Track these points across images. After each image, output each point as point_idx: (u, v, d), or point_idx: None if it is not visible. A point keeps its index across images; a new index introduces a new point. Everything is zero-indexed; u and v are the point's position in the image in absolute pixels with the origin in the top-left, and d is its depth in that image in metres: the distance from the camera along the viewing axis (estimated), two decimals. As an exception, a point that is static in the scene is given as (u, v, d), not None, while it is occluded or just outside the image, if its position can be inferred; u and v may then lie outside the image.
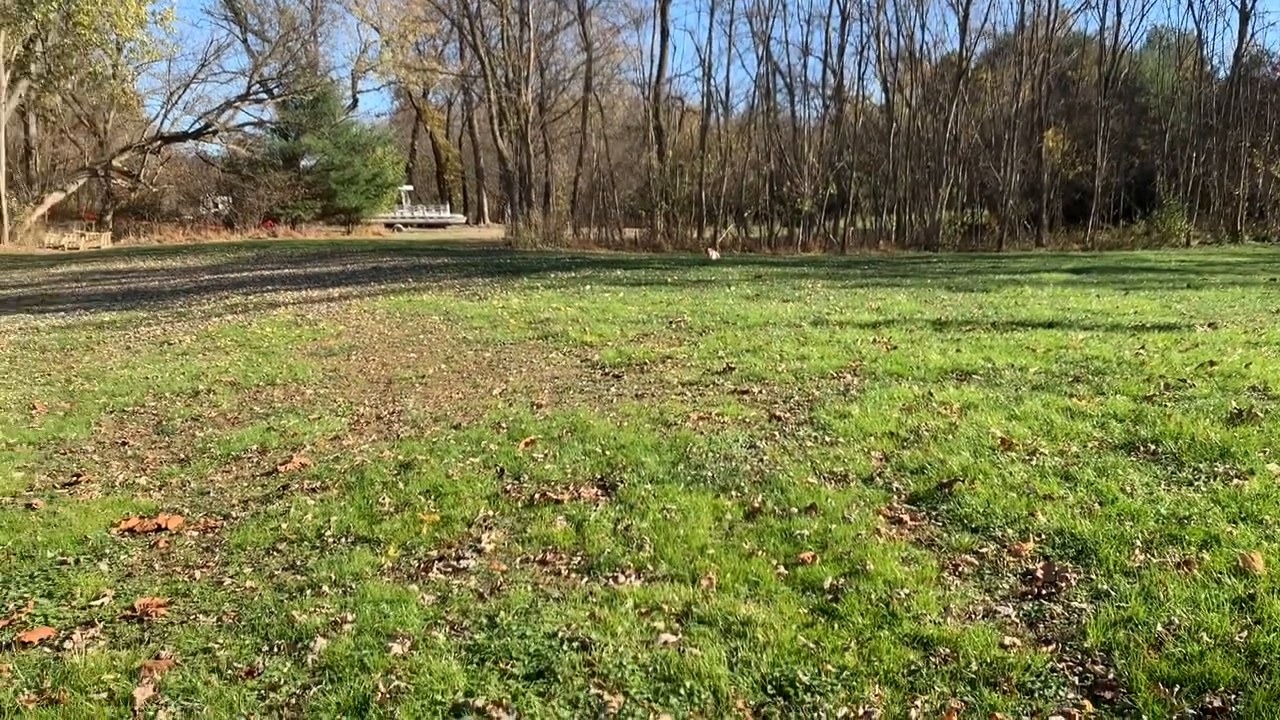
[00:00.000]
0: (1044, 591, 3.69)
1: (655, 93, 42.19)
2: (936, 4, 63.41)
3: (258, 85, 52.74)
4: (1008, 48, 40.13)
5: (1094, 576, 3.80)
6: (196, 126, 51.33)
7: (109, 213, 46.91)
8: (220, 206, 52.89)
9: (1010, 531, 4.28)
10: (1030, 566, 3.93)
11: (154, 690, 3.24)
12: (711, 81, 41.54)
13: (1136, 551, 3.99)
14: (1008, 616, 3.53)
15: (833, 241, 36.68)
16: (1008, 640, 3.33)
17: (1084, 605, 3.57)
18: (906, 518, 4.54)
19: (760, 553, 4.19)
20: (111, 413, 7.71)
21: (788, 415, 6.58)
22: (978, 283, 15.42)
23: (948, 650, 3.27)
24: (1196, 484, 4.78)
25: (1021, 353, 8.32)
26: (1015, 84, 36.35)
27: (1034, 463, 5.16)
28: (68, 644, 3.60)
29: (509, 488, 5.22)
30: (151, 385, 8.67)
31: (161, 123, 52.01)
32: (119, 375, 9.25)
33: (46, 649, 3.58)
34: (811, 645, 3.35)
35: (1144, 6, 62.31)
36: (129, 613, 3.86)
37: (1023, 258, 24.79)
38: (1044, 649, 3.27)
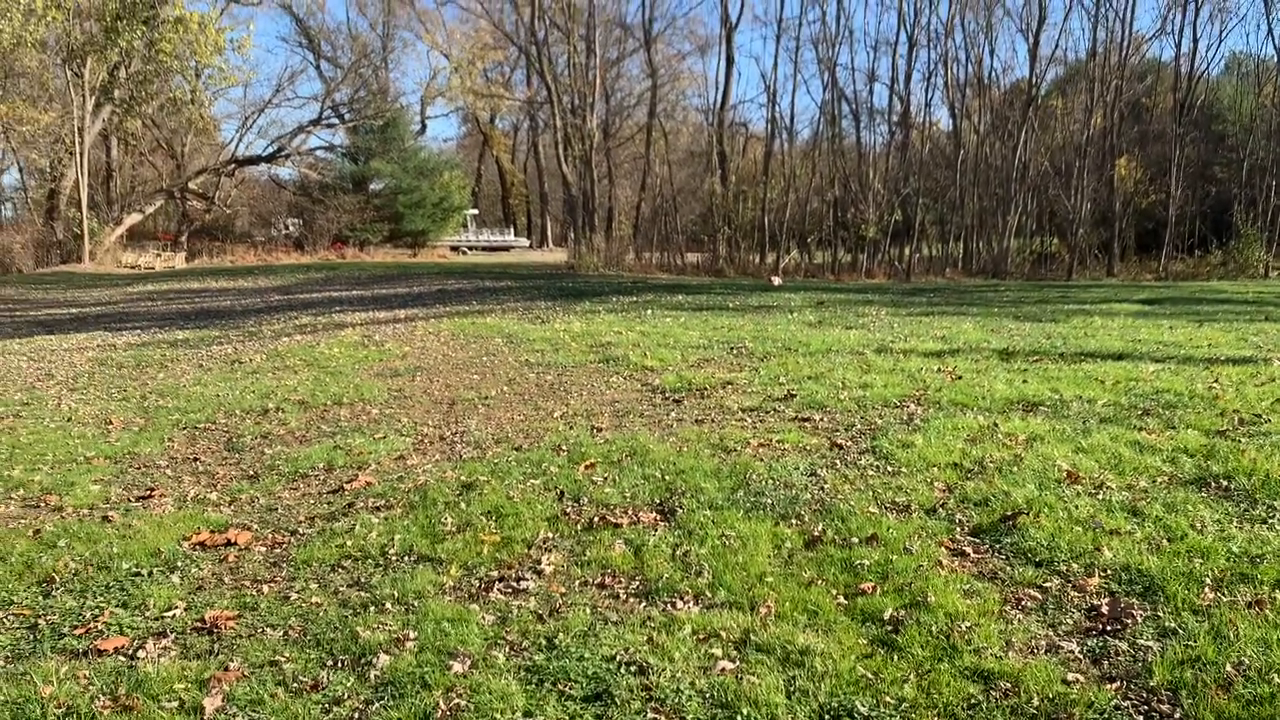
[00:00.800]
0: (1109, 628, 3.62)
1: (719, 118, 42.37)
2: (1005, 31, 62.87)
3: (330, 110, 54.02)
4: (1079, 74, 39.56)
5: (1161, 614, 3.71)
6: (270, 150, 52.70)
7: (184, 233, 48.24)
8: (291, 228, 54.11)
9: (1075, 566, 4.21)
10: (1095, 602, 3.86)
11: (223, 700, 3.32)
12: (776, 107, 41.44)
13: (1206, 589, 3.90)
14: (1071, 652, 3.47)
15: (898, 268, 36.36)
16: (1071, 676, 3.27)
17: (1150, 643, 3.50)
18: (969, 550, 4.49)
19: (820, 582, 4.17)
20: (184, 429, 7.93)
21: (849, 444, 6.54)
22: (1046, 312, 15.18)
23: (1009, 685, 3.23)
24: (1271, 522, 4.65)
25: (1090, 384, 8.18)
26: (1086, 111, 35.80)
27: (1101, 497, 5.06)
28: (141, 653, 3.71)
29: (569, 510, 5.27)
30: (223, 403, 8.89)
31: (236, 146, 53.52)
32: (192, 392, 9.50)
33: (121, 657, 3.69)
34: (870, 676, 3.33)
35: (1221, 32, 60.90)
36: (199, 624, 3.96)
37: (1093, 287, 24.34)
38: (1108, 686, 3.21)
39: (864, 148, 41.89)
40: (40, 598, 4.30)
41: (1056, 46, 51.56)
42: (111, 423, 8.19)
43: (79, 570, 4.59)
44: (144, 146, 50.11)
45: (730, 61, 42.10)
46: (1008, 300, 18.68)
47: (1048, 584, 4.07)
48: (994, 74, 41.08)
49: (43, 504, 5.83)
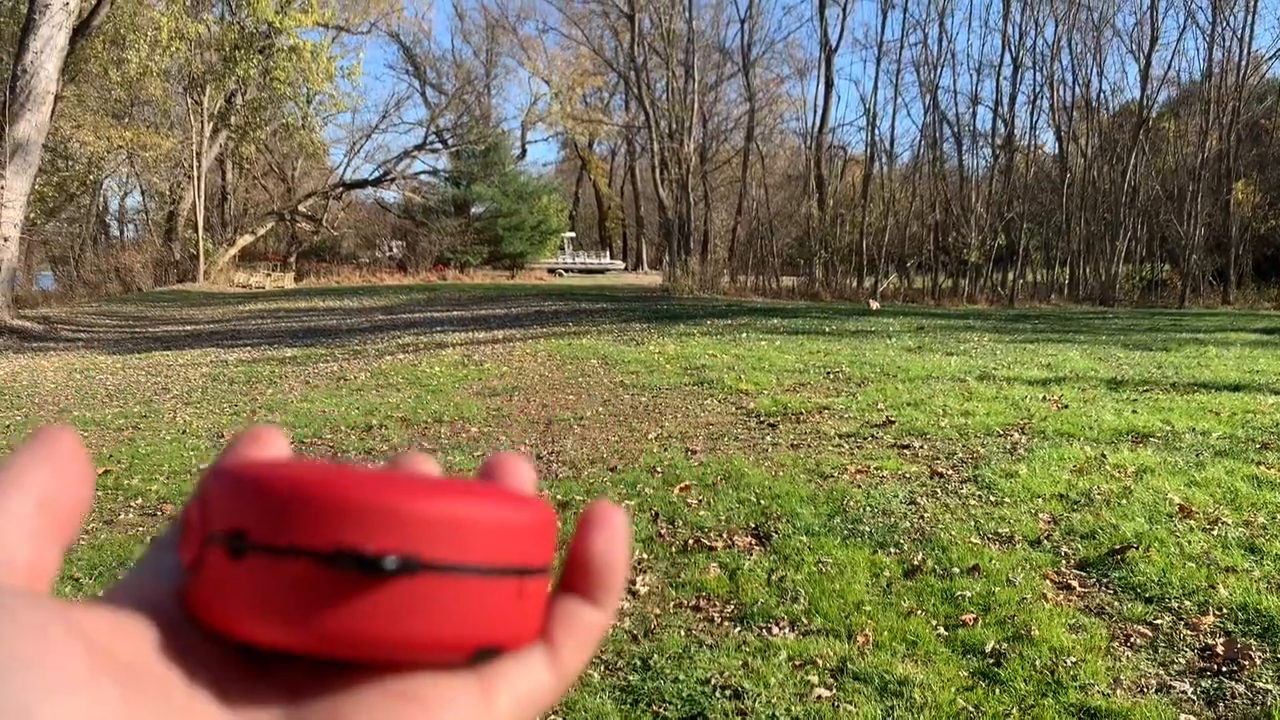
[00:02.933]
0: (1224, 669, 3.47)
1: (817, 142, 42.15)
2: (1115, 52, 61.25)
3: (434, 135, 55.50)
4: (1193, 95, 38.28)
5: (1283, 657, 3.55)
6: (376, 174, 54.38)
7: (293, 254, 49.96)
8: (395, 250, 55.60)
9: (1188, 604, 4.05)
10: (1210, 641, 3.70)
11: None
12: (876, 130, 40.93)
13: (1333, 633, 3.71)
14: (1184, 692, 3.33)
15: (1001, 294, 35.57)
16: (1183, 717, 3.15)
17: (1269, 686, 3.34)
18: (1075, 584, 4.35)
19: (919, 611, 4.09)
20: (291, 443, 8.15)
21: (950, 472, 6.41)
22: (1157, 341, 14.68)
23: (1118, 724, 3.13)
24: (1404, 564, 4.41)
25: (1204, 416, 7.87)
26: (1201, 133, 34.58)
27: (1215, 532, 4.86)
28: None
29: (663, 532, 5.28)
30: (328, 419, 9.16)
31: (344, 170, 55.41)
32: (298, 408, 9.81)
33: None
34: (970, 709, 3.25)
35: (1347, 51, 58.24)
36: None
37: (1207, 315, 23.44)
38: (1226, 731, 3.08)
39: (966, 171, 41.14)
40: (157, 602, 4.48)
41: (1169, 67, 49.91)
42: (223, 435, 8.50)
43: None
44: (257, 170, 52.17)
45: (829, 85, 41.92)
46: (1116, 328, 18.12)
47: (1158, 621, 3.92)
48: (1102, 96, 40.04)
49: (159, 512, 6.08)
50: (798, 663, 3.66)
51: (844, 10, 41.72)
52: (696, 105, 41.60)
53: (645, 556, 4.90)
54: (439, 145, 56.74)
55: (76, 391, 11.54)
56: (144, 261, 39.01)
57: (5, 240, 19.59)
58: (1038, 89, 39.49)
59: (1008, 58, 38.41)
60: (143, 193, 50.36)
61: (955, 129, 41.24)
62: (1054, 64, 38.39)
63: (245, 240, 47.26)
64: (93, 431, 8.87)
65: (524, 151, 65.76)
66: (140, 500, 6.38)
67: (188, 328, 21.26)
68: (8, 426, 9.26)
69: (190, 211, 40.95)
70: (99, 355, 15.79)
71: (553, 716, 3.28)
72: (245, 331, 19.78)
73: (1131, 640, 3.78)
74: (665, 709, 3.33)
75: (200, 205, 39.72)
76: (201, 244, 39.40)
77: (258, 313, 25.38)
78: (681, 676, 3.56)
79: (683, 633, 3.98)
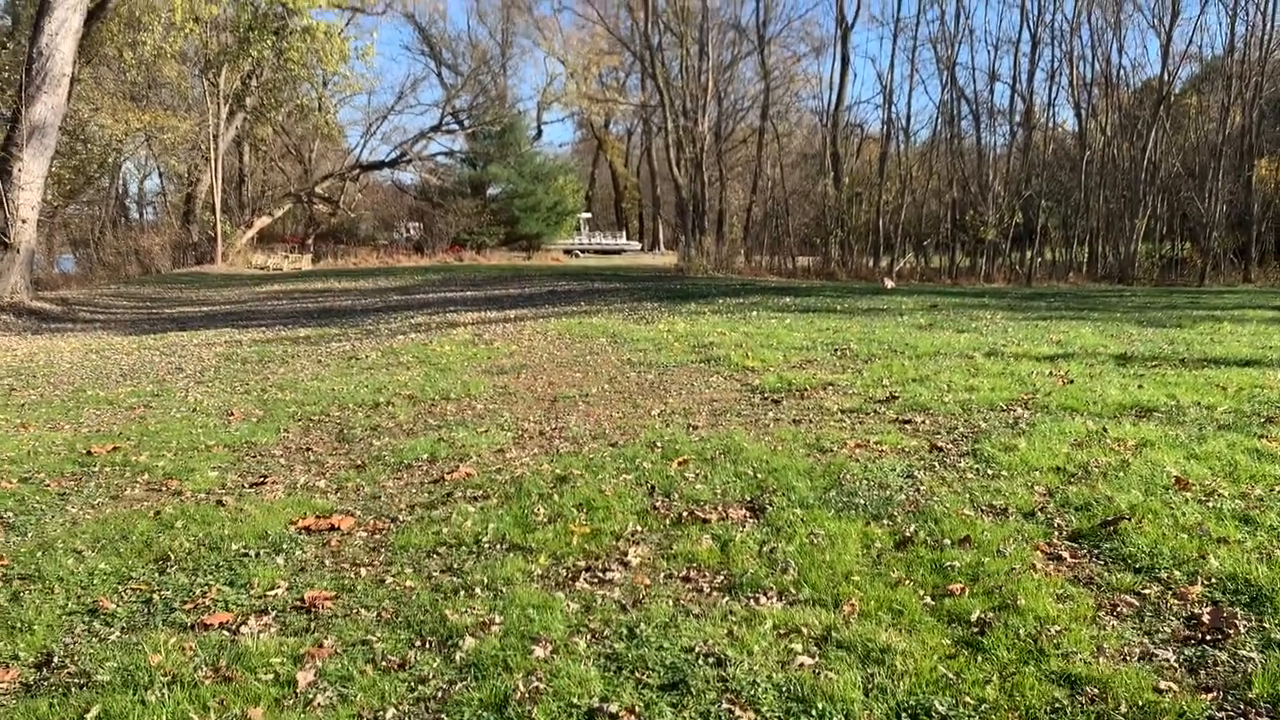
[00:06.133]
0: (1209, 637, 3.47)
1: (834, 120, 41.89)
2: (1135, 27, 60.51)
3: (450, 117, 55.53)
4: (1215, 71, 37.76)
5: (1267, 625, 3.54)
6: (392, 156, 54.47)
7: (310, 236, 50.18)
8: (411, 232, 55.75)
9: (1177, 574, 4.04)
10: (1196, 611, 3.70)
11: (315, 675, 3.47)
12: (892, 108, 40.76)
13: (1321, 603, 3.70)
14: (1166, 660, 3.33)
15: (1018, 272, 35.33)
16: (1163, 685, 3.15)
17: (1253, 654, 3.34)
18: (1066, 554, 4.35)
19: (907, 582, 4.11)
20: (299, 420, 8.25)
21: (950, 446, 6.40)
22: (1172, 318, 14.55)
23: (1096, 690, 3.13)
24: (1400, 536, 4.38)
25: (1210, 390, 7.81)
26: (1223, 109, 34.11)
27: (1211, 504, 4.84)
28: (243, 628, 3.90)
29: (659, 505, 5.31)
30: (337, 396, 9.23)
31: (360, 152, 55.51)
32: (309, 386, 9.89)
33: (225, 632, 3.88)
34: (951, 676, 3.27)
35: (1375, 24, 57.17)
36: (299, 603, 4.14)
37: (1226, 293, 23.20)
38: (1203, 696, 3.07)
39: (984, 148, 40.81)
40: (156, 574, 4.55)
41: (1191, 42, 49.25)
42: (232, 414, 8.58)
43: (192, 550, 4.84)
44: (274, 152, 52.35)
45: (845, 62, 41.61)
46: (1132, 305, 17.97)
47: (1146, 590, 3.92)
48: (1122, 72, 39.62)
49: (164, 488, 6.16)
50: (783, 631, 3.69)
51: (861, -13, 41.33)
52: (711, 84, 41.43)
53: (639, 529, 4.93)
54: (455, 126, 56.80)
55: (91, 371, 11.67)
56: (163, 244, 39.29)
57: (24, 222, 19.77)
58: (1057, 65, 39.13)
59: (1026, 33, 38.10)
60: (161, 175, 50.70)
61: (973, 106, 40.91)
62: (1073, 40, 38.01)
63: (263, 222, 47.50)
64: (105, 411, 8.98)
65: (540, 132, 65.71)
66: (146, 476, 6.46)
67: (204, 309, 21.42)
68: (23, 405, 9.38)
69: (208, 194, 41.17)
70: (115, 336, 15.94)
71: (536, 682, 3.32)
72: (261, 312, 19.91)
73: (1118, 610, 3.78)
74: (648, 676, 3.37)
75: (218, 187, 39.91)
76: (219, 226, 39.63)
77: (274, 294, 25.52)
78: (666, 645, 3.59)
79: (671, 603, 4.01)
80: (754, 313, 15.89)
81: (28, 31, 22.52)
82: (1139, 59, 63.78)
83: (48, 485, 6.27)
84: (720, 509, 5.19)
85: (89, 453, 7.10)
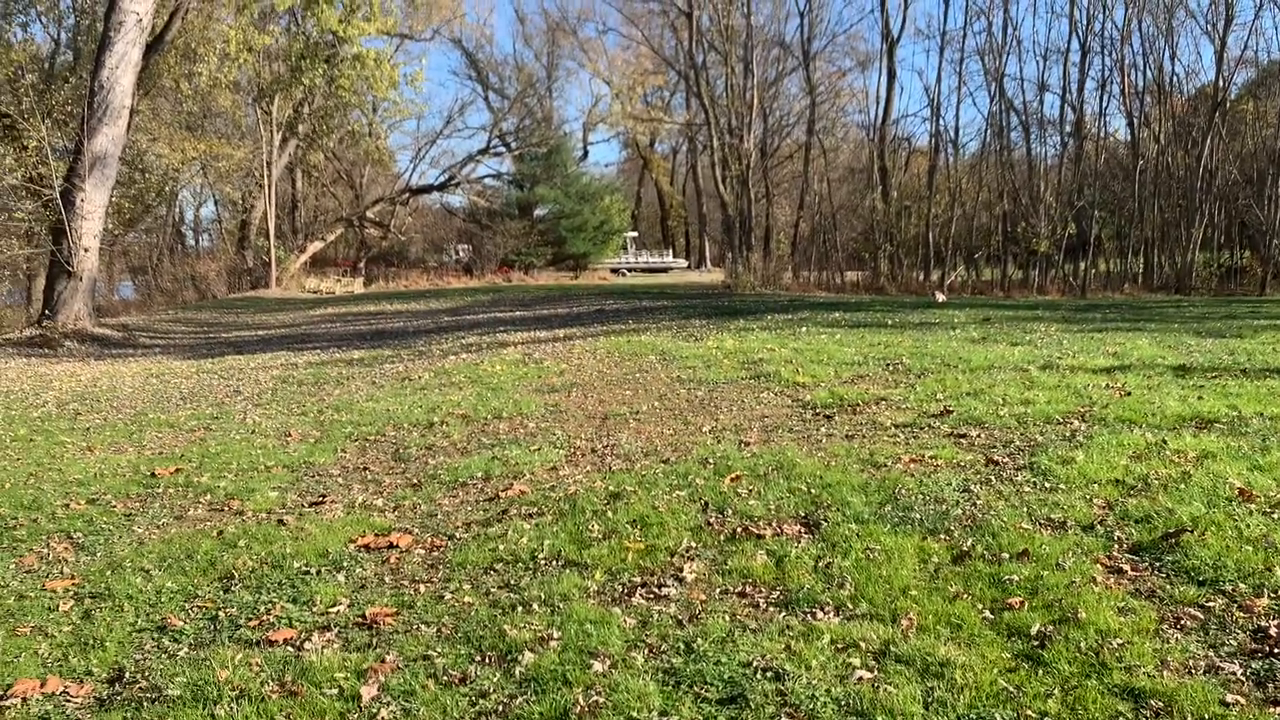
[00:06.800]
0: (1277, 650, 3.40)
1: (881, 134, 41.70)
2: (1188, 33, 59.50)
3: (497, 139, 56.16)
4: (1272, 76, 37.06)
5: (1339, 639, 3.47)
6: (441, 179, 55.20)
7: (362, 259, 50.93)
8: (460, 254, 56.38)
9: (1243, 586, 3.97)
10: (1263, 624, 3.63)
11: (378, 690, 3.53)
12: (940, 121, 40.44)
13: (1395, 616, 3.61)
14: (1232, 673, 3.28)
15: (1072, 284, 34.84)
16: (1230, 698, 3.10)
17: (1325, 669, 3.27)
18: (1127, 567, 4.29)
19: (965, 596, 4.08)
20: (355, 440, 8.38)
21: (1006, 460, 6.34)
22: (1232, 328, 14.26)
23: (1160, 704, 3.08)
24: None
25: (1274, 401, 7.65)
26: (1280, 114, 33.46)
27: (1277, 516, 4.74)
28: (307, 644, 3.97)
29: (712, 521, 5.32)
30: (392, 417, 9.35)
31: (410, 176, 56.26)
32: (364, 407, 10.03)
33: (289, 648, 3.96)
34: (1012, 689, 3.24)
35: None
36: (360, 620, 4.21)
37: (1287, 301, 22.69)
38: (1271, 710, 3.02)
39: (1034, 159, 40.34)
40: (221, 592, 4.66)
41: (1246, 47, 48.36)
42: (290, 435, 8.74)
43: (255, 568, 4.94)
44: (326, 178, 53.32)
45: (892, 76, 41.39)
46: (1190, 316, 17.64)
47: (1210, 603, 3.86)
48: (1175, 79, 38.92)
49: (227, 508, 6.30)
50: (840, 646, 3.68)
51: (905, 0, 41.23)
52: (756, 101, 41.46)
53: (693, 545, 4.94)
54: (502, 149, 57.39)
55: (152, 395, 11.94)
56: (218, 269, 40.10)
57: (86, 251, 20.31)
58: (1107, 74, 38.64)
59: (1075, 43, 37.71)
60: (216, 202, 51.87)
61: (1022, 117, 40.50)
62: (1124, 48, 37.51)
63: (315, 247, 48.31)
64: (167, 433, 9.18)
65: (586, 153, 66.24)
66: (209, 496, 6.60)
67: (259, 333, 21.81)
68: (88, 429, 9.62)
69: (262, 220, 42.02)
70: (174, 360, 16.29)
71: (595, 696, 3.35)
72: (315, 335, 20.23)
73: (1181, 623, 3.72)
74: (706, 690, 3.38)
75: (271, 213, 40.72)
76: (273, 251, 40.40)
77: (327, 317, 25.92)
78: (724, 659, 3.60)
79: (727, 618, 4.02)
80: (803, 328, 15.84)
81: (89, 66, 23.19)
82: (1192, 65, 62.89)
83: (114, 506, 6.44)
84: (774, 524, 5.18)
85: (153, 474, 7.28)
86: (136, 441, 8.81)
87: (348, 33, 33.81)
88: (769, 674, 3.47)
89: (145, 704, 3.51)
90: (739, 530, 5.10)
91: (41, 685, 3.69)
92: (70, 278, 20.15)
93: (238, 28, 29.42)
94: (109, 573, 4.98)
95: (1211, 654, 3.45)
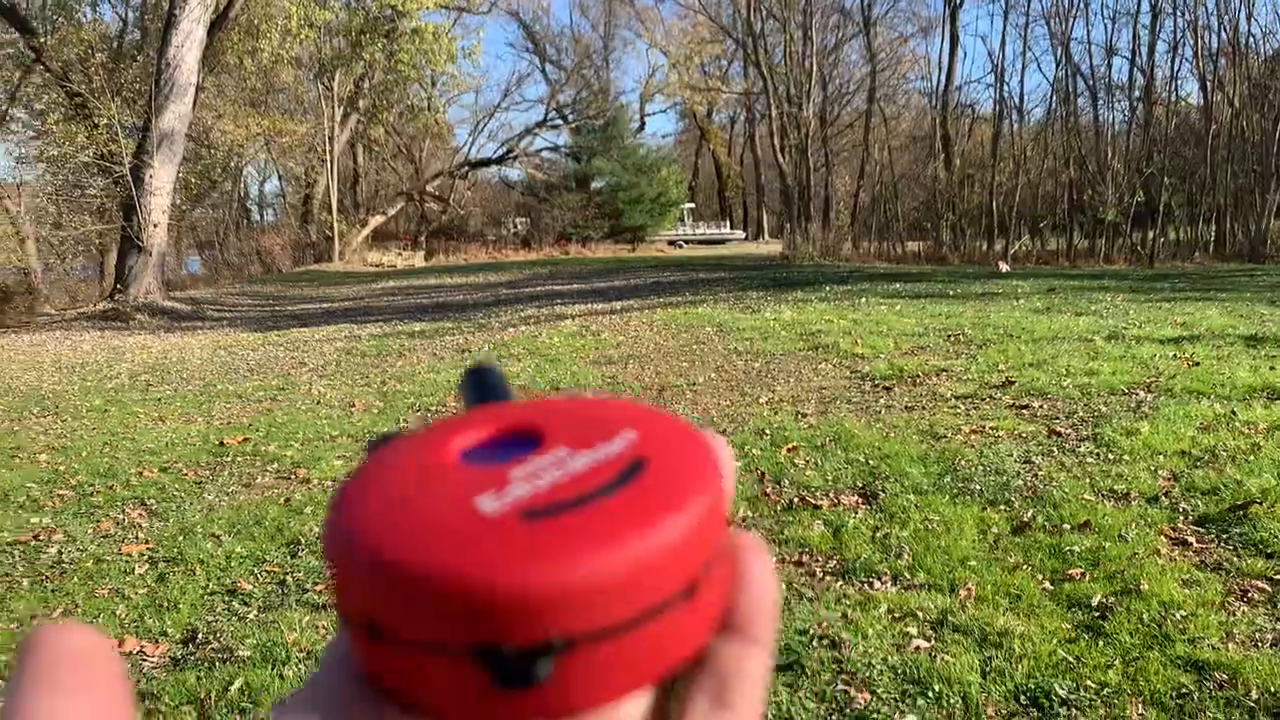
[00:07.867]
0: (1348, 624, 3.34)
1: (943, 101, 40.94)
2: (1266, -9, 57.28)
3: (554, 112, 56.22)
4: (1354, 34, 35.62)
5: None
6: (499, 152, 55.46)
7: (422, 233, 51.41)
8: (519, 227, 56.60)
9: (1314, 560, 3.89)
10: (1334, 597, 3.56)
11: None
12: (1004, 87, 39.71)
13: None
14: (1301, 648, 3.23)
15: (1140, 253, 33.99)
16: (1297, 672, 3.05)
17: (1397, 643, 3.20)
18: (1192, 539, 4.22)
19: (1025, 567, 4.05)
20: (417, 411, 8.52)
21: (1069, 431, 6.25)
22: (1307, 296, 13.85)
23: (1225, 676, 3.05)
24: None
25: (1351, 371, 7.44)
26: (1364, 74, 32.20)
27: (1351, 489, 4.64)
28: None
29: (769, 491, 5.33)
30: (452, 388, 9.47)
31: (469, 150, 56.60)
32: (425, 378, 10.18)
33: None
34: (1072, 660, 3.22)
35: None
36: (423, 584, 4.29)
37: (1368, 269, 21.94)
38: (1341, 684, 2.97)
39: (1101, 126, 39.30)
40: (288, 557, 4.78)
41: (1328, 5, 46.42)
42: (354, 405, 8.90)
43: (320, 535, 5.06)
44: (386, 153, 53.77)
45: (955, 41, 40.56)
46: (1264, 285, 17.14)
47: (1279, 576, 3.79)
48: (1252, 40, 37.61)
49: (293, 476, 6.45)
50: (897, 615, 3.68)
51: (969, -37, 40.30)
52: (815, 69, 40.94)
53: (750, 514, 4.96)
54: (559, 121, 57.45)
55: (220, 367, 12.22)
56: (283, 244, 40.75)
57: (155, 226, 20.78)
58: (1179, 36, 37.42)
59: (1145, 4, 36.50)
60: (280, 178, 52.63)
61: (1090, 82, 39.45)
62: (1197, 8, 36.26)
63: (377, 221, 48.88)
64: (235, 404, 9.41)
65: (643, 124, 65.97)
66: (276, 465, 6.77)
67: (323, 305, 22.18)
68: (159, 400, 9.90)
69: (324, 194, 42.59)
70: (241, 333, 16.65)
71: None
72: (377, 308, 20.52)
73: (1248, 595, 3.66)
74: (763, 657, 3.40)
75: (334, 188, 41.24)
76: (336, 225, 40.94)
77: (389, 290, 26.25)
78: (780, 627, 3.62)
79: (784, 586, 4.03)
80: (862, 299, 15.70)
81: (155, 44, 23.63)
82: (1270, 25, 60.57)
83: (185, 474, 6.63)
84: (831, 495, 5.18)
85: (221, 443, 7.47)
86: (206, 412, 9.04)
87: (406, 6, 33.96)
88: (825, 641, 3.48)
89: (217, 664, 3.64)
90: (796, 500, 5.11)
91: (120, 645, 3.83)
92: (140, 253, 20.64)
93: (299, 3, 29.73)
94: (181, 538, 5.15)
95: (1279, 627, 3.39)
